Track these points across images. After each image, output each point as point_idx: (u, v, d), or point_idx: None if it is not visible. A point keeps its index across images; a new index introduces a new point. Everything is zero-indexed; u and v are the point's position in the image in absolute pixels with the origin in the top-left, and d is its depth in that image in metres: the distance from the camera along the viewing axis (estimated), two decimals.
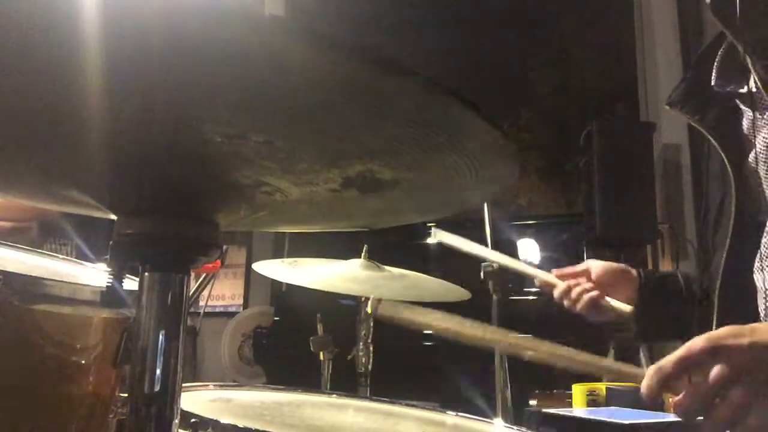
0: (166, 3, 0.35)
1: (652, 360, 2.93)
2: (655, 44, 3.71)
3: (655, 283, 1.28)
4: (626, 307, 1.23)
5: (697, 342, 0.73)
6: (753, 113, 1.01)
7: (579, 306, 1.26)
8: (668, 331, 1.32)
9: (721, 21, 0.99)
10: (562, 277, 1.29)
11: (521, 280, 3.90)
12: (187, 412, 0.89)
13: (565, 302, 1.28)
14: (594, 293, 1.24)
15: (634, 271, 1.30)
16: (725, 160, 1.04)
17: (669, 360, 0.74)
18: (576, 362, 0.81)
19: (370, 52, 0.37)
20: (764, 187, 0.99)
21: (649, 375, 0.75)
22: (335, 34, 0.36)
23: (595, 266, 1.29)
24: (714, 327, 1.02)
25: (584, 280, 1.27)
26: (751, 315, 0.98)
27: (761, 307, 0.97)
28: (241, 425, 0.91)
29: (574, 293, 1.25)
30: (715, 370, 0.70)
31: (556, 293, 1.29)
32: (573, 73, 4.72)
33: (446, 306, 1.69)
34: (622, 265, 1.31)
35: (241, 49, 0.38)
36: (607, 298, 1.25)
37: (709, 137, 1.07)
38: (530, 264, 1.46)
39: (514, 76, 4.77)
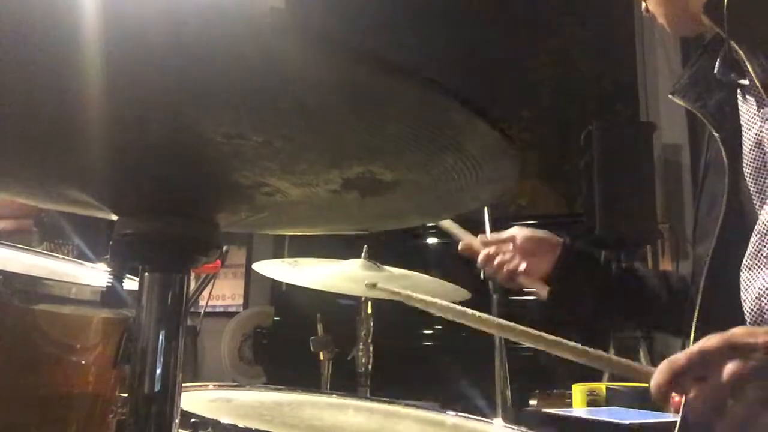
0: (165, 3, 0.35)
1: (652, 361, 2.93)
2: (655, 44, 3.71)
3: (573, 259, 1.26)
4: (542, 293, 1.21)
5: (712, 339, 0.70)
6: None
7: (498, 277, 1.25)
8: (584, 310, 1.32)
9: (714, 23, 0.99)
10: (486, 244, 1.27)
11: None
12: (187, 412, 0.89)
13: (486, 270, 1.26)
14: (513, 265, 1.23)
15: (556, 241, 1.28)
16: (721, 148, 1.02)
17: (682, 355, 0.70)
18: (575, 353, 0.76)
19: (370, 53, 0.37)
20: (749, 183, 0.99)
21: (660, 370, 0.70)
22: (335, 34, 0.36)
23: (520, 234, 1.27)
24: (695, 320, 1.01)
25: (509, 248, 1.25)
26: (735, 312, 0.97)
27: (749, 308, 0.95)
28: (241, 425, 0.91)
29: (495, 262, 1.23)
30: (731, 368, 0.67)
31: (479, 260, 1.26)
32: (573, 73, 4.72)
33: None
34: (546, 234, 1.29)
35: (241, 50, 0.38)
36: (526, 278, 1.23)
37: (708, 125, 1.05)
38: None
39: (514, 76, 4.77)
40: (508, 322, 0.80)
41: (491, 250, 1.26)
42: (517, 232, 1.28)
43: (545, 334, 0.77)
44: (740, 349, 0.69)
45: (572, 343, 0.76)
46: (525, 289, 1.27)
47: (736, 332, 0.71)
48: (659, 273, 1.33)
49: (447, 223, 1.37)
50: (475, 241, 1.30)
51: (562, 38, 4.70)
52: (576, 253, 1.29)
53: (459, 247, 1.33)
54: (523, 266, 1.25)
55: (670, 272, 1.37)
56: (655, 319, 1.32)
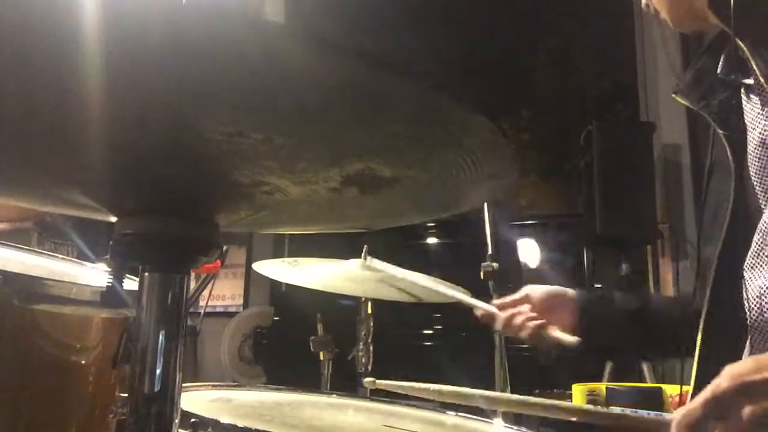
0: (165, 3, 0.35)
1: (653, 369, 2.92)
2: (655, 44, 3.71)
3: (594, 304, 1.28)
4: (571, 339, 1.22)
5: (722, 382, 0.71)
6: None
7: (523, 334, 1.24)
8: (624, 348, 1.35)
9: (719, 18, 0.99)
10: (502, 308, 1.27)
11: (521, 280, 3.90)
12: (187, 412, 0.89)
13: (509, 332, 1.26)
14: (537, 322, 1.22)
15: (571, 293, 1.29)
16: (726, 147, 1.02)
17: (695, 405, 0.72)
18: (580, 413, 0.80)
19: (370, 53, 0.37)
20: (754, 182, 0.99)
21: (678, 422, 0.73)
22: (335, 34, 0.36)
23: (534, 292, 1.27)
24: (703, 322, 1.01)
25: (526, 308, 1.26)
26: (742, 313, 0.97)
27: (751, 306, 0.95)
28: (241, 425, 0.91)
29: (517, 321, 1.23)
30: (749, 410, 0.69)
31: (498, 324, 1.26)
32: (573, 73, 4.72)
33: (446, 306, 1.69)
34: (560, 289, 1.30)
35: (241, 50, 0.38)
36: (552, 329, 1.23)
37: (712, 123, 1.05)
38: (527, 266, 1.47)
39: (514, 76, 4.77)
40: (518, 397, 0.86)
41: (509, 312, 1.26)
42: (530, 290, 1.29)
43: (558, 402, 0.81)
44: (751, 389, 0.70)
45: (586, 406, 0.80)
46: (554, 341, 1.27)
47: (744, 370, 0.72)
48: (671, 299, 1.33)
49: (462, 297, 1.40)
50: (492, 307, 1.29)
51: (562, 38, 4.70)
52: (592, 301, 1.29)
53: (478, 315, 1.33)
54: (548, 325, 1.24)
55: (680, 296, 1.39)
56: (677, 344, 1.31)
